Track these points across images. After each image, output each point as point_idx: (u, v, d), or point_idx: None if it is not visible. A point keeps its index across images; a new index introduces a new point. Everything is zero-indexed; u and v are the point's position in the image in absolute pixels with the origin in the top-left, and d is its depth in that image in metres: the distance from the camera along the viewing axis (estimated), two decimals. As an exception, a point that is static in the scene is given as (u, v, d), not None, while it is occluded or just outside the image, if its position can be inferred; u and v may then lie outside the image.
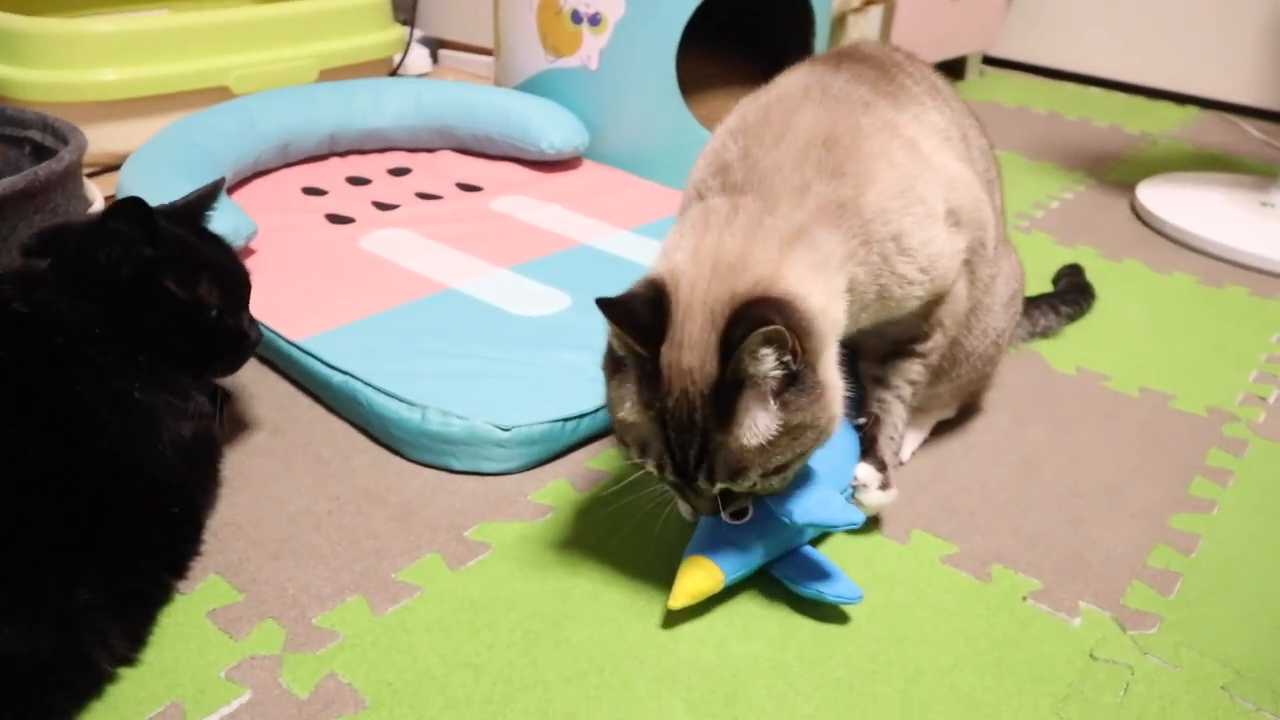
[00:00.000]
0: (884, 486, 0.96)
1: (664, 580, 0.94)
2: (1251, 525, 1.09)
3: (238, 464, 1.08)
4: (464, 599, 0.91)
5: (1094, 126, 2.61)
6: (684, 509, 0.91)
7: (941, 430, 1.19)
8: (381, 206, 1.64)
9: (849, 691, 0.83)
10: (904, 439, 1.08)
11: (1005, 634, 0.91)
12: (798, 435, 0.78)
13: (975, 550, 1.01)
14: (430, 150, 1.91)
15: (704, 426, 0.76)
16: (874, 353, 1.02)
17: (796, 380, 0.77)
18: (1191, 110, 2.86)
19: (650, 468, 0.80)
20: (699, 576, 0.86)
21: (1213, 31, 2.81)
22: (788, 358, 0.75)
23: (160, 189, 1.24)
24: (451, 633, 0.87)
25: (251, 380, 1.23)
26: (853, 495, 0.96)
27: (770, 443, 0.77)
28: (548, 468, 1.10)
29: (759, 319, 0.74)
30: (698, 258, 0.80)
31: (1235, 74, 2.84)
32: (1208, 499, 1.13)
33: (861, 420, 1.00)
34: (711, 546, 0.88)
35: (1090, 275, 1.59)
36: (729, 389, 0.76)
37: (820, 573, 0.90)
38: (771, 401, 0.77)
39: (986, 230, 0.98)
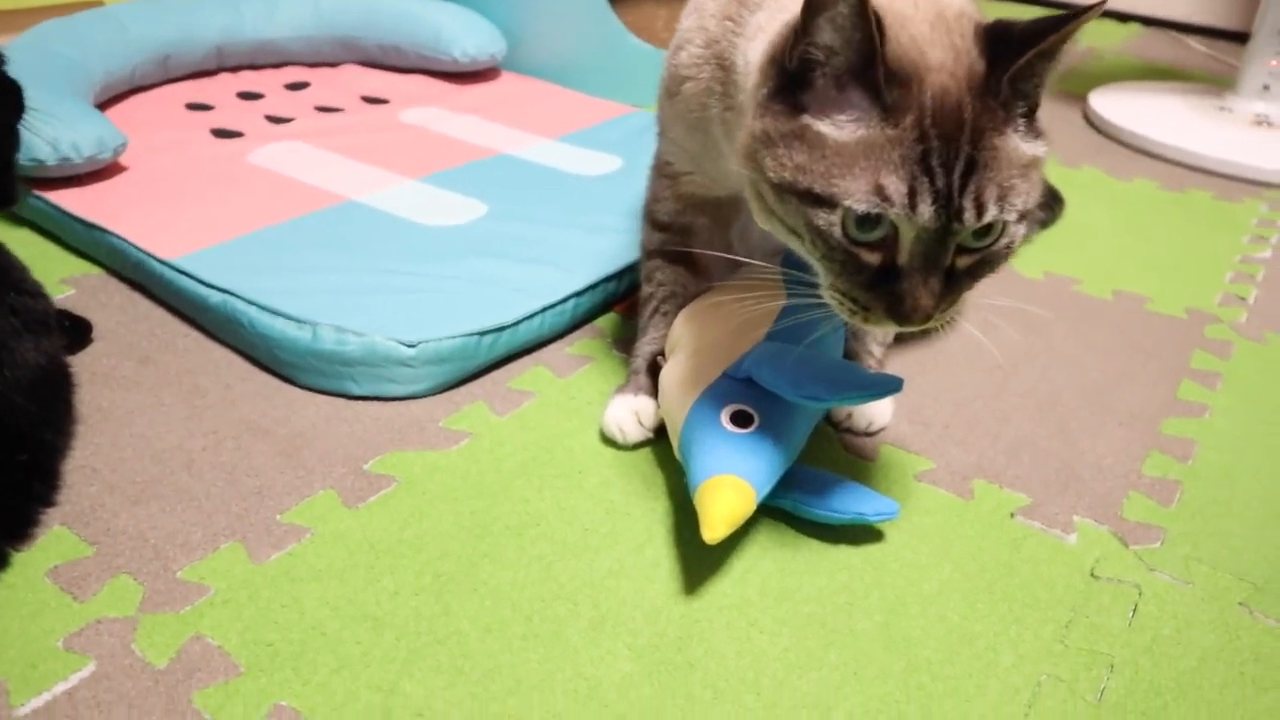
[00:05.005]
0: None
1: (599, 511, 0.80)
2: (1248, 429, 0.98)
3: (95, 399, 0.91)
4: (362, 540, 0.76)
5: (1040, 41, 2.50)
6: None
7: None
8: (275, 120, 1.46)
9: (821, 627, 0.71)
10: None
11: (994, 556, 0.79)
12: (1035, 174, 0.65)
13: (953, 465, 0.89)
14: (332, 64, 1.72)
15: (975, 127, 0.61)
16: None
17: (1034, 115, 0.65)
18: (1134, 27, 2.78)
19: (894, 212, 0.60)
20: (731, 498, 0.70)
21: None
22: (1040, 87, 0.64)
23: None
24: (346, 580, 0.72)
25: (120, 307, 1.06)
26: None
27: (1028, 164, 0.64)
28: (462, 390, 0.95)
29: (1034, 32, 0.61)
30: None
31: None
32: (1198, 403, 1.02)
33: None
34: (729, 462, 0.72)
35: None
36: (996, 90, 0.62)
37: (855, 494, 0.78)
38: (1024, 124, 0.64)
39: None
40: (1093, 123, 1.92)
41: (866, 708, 0.65)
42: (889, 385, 0.74)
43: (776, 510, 0.80)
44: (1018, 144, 0.63)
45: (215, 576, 0.72)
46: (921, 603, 0.74)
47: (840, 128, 0.62)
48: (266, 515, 0.78)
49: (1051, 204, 1.40)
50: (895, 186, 0.60)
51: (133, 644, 0.67)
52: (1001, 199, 0.62)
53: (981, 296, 1.19)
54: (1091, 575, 0.78)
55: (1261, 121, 1.84)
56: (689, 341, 0.83)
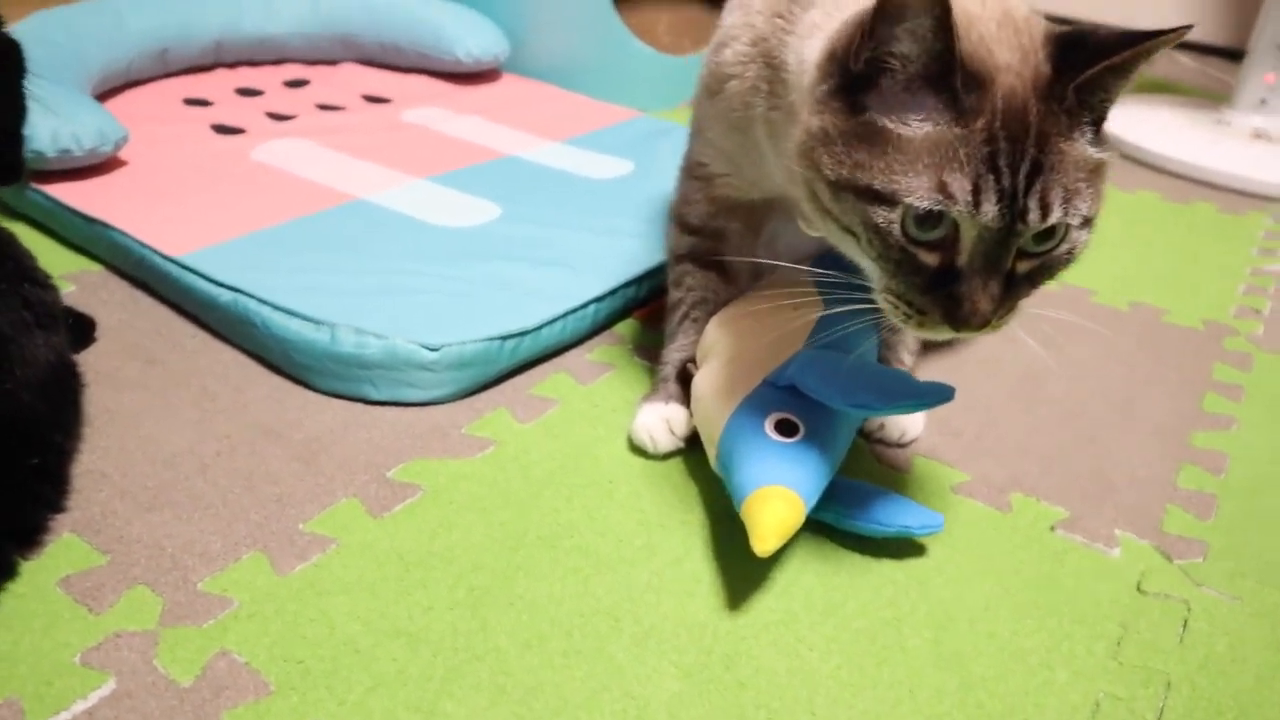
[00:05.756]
0: None
1: (632, 523, 0.78)
2: (1276, 442, 0.97)
3: (101, 400, 0.87)
4: (390, 552, 0.73)
5: (1033, 53, 2.51)
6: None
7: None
8: (276, 117, 1.43)
9: (871, 644, 0.68)
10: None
11: (1038, 570, 0.77)
12: (1100, 180, 0.63)
13: (988, 477, 0.87)
14: (331, 62, 1.69)
15: (1040, 130, 0.59)
16: None
17: (1101, 126, 0.63)
18: (1125, 41, 2.79)
19: (956, 209, 0.58)
20: (781, 509, 0.68)
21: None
22: (1109, 102, 0.61)
23: None
24: (376, 594, 0.69)
25: (122, 305, 1.03)
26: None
27: (1094, 169, 0.62)
28: (482, 396, 0.92)
29: (1108, 46, 0.59)
30: None
31: (1162, 8, 2.78)
32: (1224, 415, 1.01)
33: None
34: (777, 472, 0.70)
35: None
36: (1061, 97, 0.60)
37: (899, 506, 0.76)
38: (1091, 132, 0.61)
39: None
40: (1093, 134, 1.91)
41: (924, 728, 0.63)
42: (941, 394, 0.72)
43: (813, 523, 0.78)
44: (1084, 148, 0.61)
45: (238, 588, 0.69)
46: (970, 618, 0.72)
47: (907, 125, 0.60)
48: (288, 524, 0.75)
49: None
50: (959, 184, 0.58)
51: (155, 660, 0.63)
52: (1067, 202, 0.60)
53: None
54: (1138, 590, 0.76)
55: (1260, 135, 1.85)
56: (724, 349, 0.81)
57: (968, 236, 0.60)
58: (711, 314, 0.88)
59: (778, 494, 0.68)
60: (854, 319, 0.79)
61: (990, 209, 0.58)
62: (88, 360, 0.93)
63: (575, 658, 0.65)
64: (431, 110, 1.51)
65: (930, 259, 0.61)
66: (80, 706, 0.60)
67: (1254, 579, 0.78)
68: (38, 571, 0.70)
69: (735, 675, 0.65)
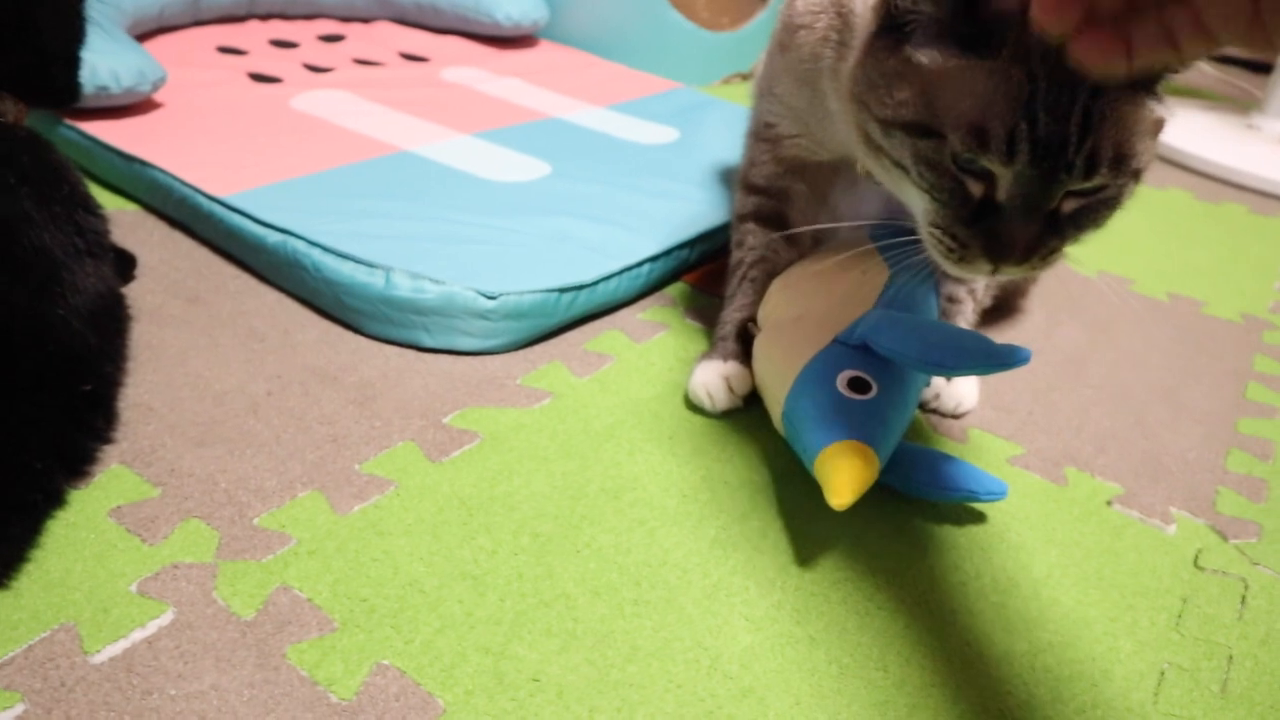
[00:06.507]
0: None
1: (696, 478, 0.77)
2: (1323, 433, 0.97)
3: (144, 336, 0.86)
4: (451, 496, 0.72)
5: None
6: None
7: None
8: (313, 69, 1.41)
9: (940, 605, 0.68)
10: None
11: (1098, 542, 0.76)
12: (1153, 137, 0.61)
13: (1043, 451, 0.87)
14: (365, 20, 1.67)
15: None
16: None
17: (1162, 78, 0.61)
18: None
19: (986, 157, 0.57)
20: (857, 464, 0.67)
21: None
22: None
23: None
24: (439, 537, 0.68)
25: (161, 244, 1.01)
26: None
27: (1151, 125, 0.60)
28: (536, 349, 0.91)
29: None
30: None
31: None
32: (1267, 405, 1.01)
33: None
34: (851, 428, 0.69)
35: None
36: None
37: (965, 472, 0.75)
38: (1150, 83, 0.59)
39: None
40: (1123, 130, 1.91)
41: (997, 689, 0.62)
42: (1016, 356, 0.71)
43: (874, 486, 0.77)
44: (1145, 101, 0.59)
45: (296, 525, 0.68)
46: (1033, 586, 0.71)
47: (944, 62, 0.58)
48: (345, 465, 0.74)
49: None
50: (995, 130, 0.57)
51: (214, 592, 0.62)
52: (1117, 161, 0.58)
53: (1044, 290, 1.17)
54: (1196, 566, 0.75)
55: (1290, 140, 1.85)
56: (791, 308, 0.80)
57: (1004, 179, 0.59)
58: (771, 274, 0.87)
59: (854, 448, 0.67)
60: (921, 281, 0.78)
61: (1023, 159, 0.57)
62: (129, 296, 0.91)
63: (645, 607, 0.64)
64: (471, 70, 1.49)
65: (977, 188, 0.60)
66: (139, 635, 0.59)
67: (1312, 562, 0.78)
68: (87, 501, 0.68)
69: (806, 631, 0.64)
